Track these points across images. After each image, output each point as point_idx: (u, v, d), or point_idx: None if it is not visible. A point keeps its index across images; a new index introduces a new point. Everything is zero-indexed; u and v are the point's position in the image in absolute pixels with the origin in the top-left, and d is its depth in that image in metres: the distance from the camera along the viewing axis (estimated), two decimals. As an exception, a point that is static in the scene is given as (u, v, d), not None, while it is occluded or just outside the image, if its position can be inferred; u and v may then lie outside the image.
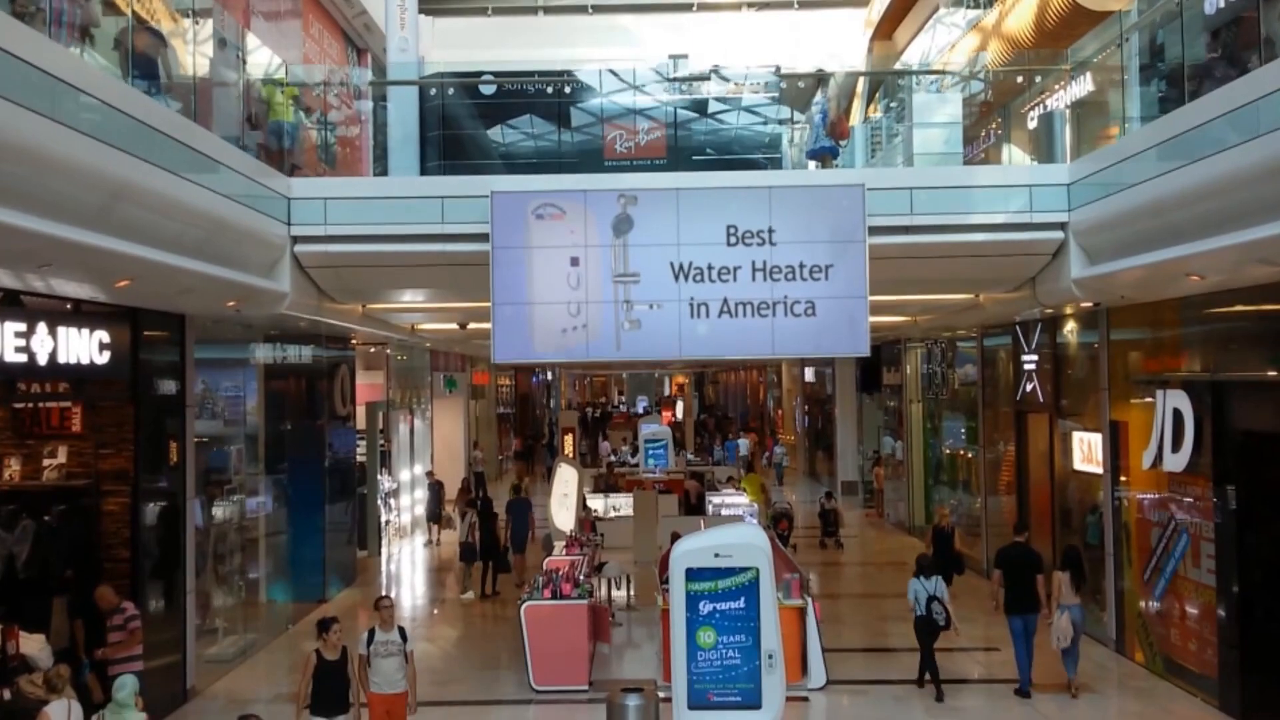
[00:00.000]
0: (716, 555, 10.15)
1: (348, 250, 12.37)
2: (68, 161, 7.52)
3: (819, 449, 36.43)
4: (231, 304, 11.55)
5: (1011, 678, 13.19)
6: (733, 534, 10.77)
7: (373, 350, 25.13)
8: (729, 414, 55.52)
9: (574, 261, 12.04)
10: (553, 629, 13.27)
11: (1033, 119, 16.41)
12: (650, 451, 29.42)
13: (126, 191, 8.41)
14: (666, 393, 73.38)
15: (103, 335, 11.02)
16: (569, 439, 33.17)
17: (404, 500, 25.93)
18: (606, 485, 25.59)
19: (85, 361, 10.72)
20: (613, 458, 32.85)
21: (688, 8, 33.26)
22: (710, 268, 12.06)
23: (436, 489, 24.95)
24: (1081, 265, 12.12)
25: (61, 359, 10.26)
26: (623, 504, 23.28)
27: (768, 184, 12.35)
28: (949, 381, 22.26)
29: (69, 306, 10.69)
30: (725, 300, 12.06)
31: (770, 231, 12.02)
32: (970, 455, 21.18)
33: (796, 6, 32.87)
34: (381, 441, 25.19)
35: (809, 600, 13.51)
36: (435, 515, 24.68)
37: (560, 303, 12.03)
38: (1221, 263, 9.84)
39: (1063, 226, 12.25)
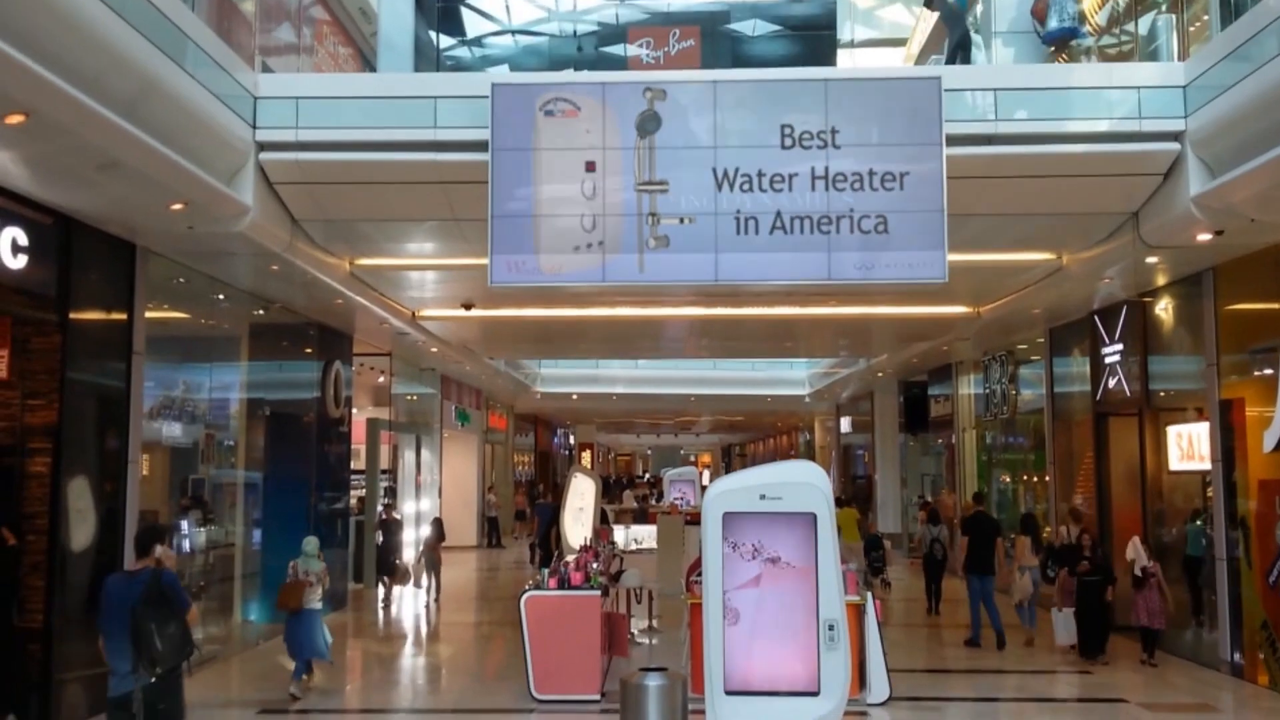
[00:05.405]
0: (763, 497, 7.96)
1: (322, 159, 10.38)
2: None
3: (856, 507, 34.12)
4: (178, 207, 9.55)
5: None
6: (784, 471, 8.53)
7: (380, 380, 23.17)
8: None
9: (589, 166, 9.99)
10: (559, 626, 10.98)
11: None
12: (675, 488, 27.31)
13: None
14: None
15: (18, 233, 9.13)
16: (586, 455, 30.74)
17: (408, 535, 23.45)
18: (632, 517, 23.34)
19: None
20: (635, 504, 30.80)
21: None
22: (761, 175, 9.93)
23: (392, 529, 19.23)
24: (1202, 180, 9.99)
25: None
26: (645, 535, 21.02)
27: (823, 77, 10.33)
28: (1010, 401, 19.98)
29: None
30: (779, 214, 9.90)
31: (834, 132, 9.93)
32: (1038, 480, 18.88)
33: (833, 44, 31.48)
34: (386, 479, 23.14)
35: (869, 597, 11.22)
36: (387, 566, 18.75)
37: (572, 215, 9.95)
38: None
39: (1178, 137, 10.15)
